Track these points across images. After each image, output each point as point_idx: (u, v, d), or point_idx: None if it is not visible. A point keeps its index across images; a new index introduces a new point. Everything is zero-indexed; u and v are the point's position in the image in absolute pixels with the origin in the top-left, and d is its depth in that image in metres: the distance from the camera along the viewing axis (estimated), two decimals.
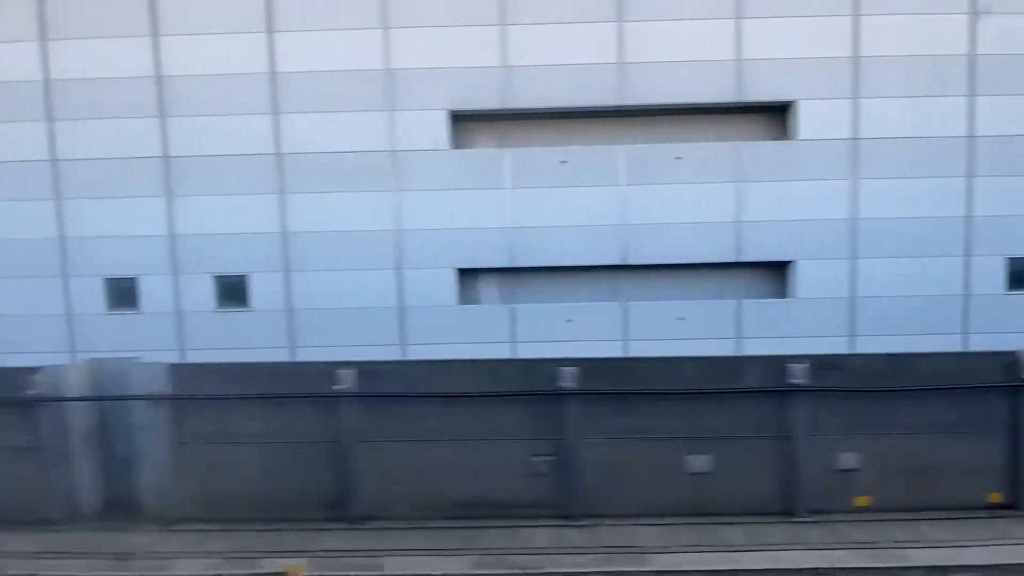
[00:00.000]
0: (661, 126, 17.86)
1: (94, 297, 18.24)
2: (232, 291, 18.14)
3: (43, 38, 17.54)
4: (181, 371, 10.70)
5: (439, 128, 17.58)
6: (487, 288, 18.35)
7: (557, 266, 17.98)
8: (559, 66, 17.37)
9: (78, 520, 10.35)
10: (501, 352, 17.87)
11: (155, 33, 17.48)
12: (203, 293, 18.16)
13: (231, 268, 18.06)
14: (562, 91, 17.46)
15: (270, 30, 17.41)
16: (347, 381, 10.68)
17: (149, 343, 18.08)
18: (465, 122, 17.78)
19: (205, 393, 10.50)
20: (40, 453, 10.32)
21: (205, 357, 17.52)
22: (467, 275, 18.14)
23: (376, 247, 17.90)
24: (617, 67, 17.35)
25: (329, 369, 10.74)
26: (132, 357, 11.88)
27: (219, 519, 10.44)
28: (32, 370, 10.40)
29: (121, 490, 10.62)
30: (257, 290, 18.10)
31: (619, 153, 17.57)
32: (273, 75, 17.50)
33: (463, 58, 17.37)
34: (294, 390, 10.64)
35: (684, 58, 17.27)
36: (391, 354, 17.90)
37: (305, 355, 18.06)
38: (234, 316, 18.18)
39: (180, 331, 18.21)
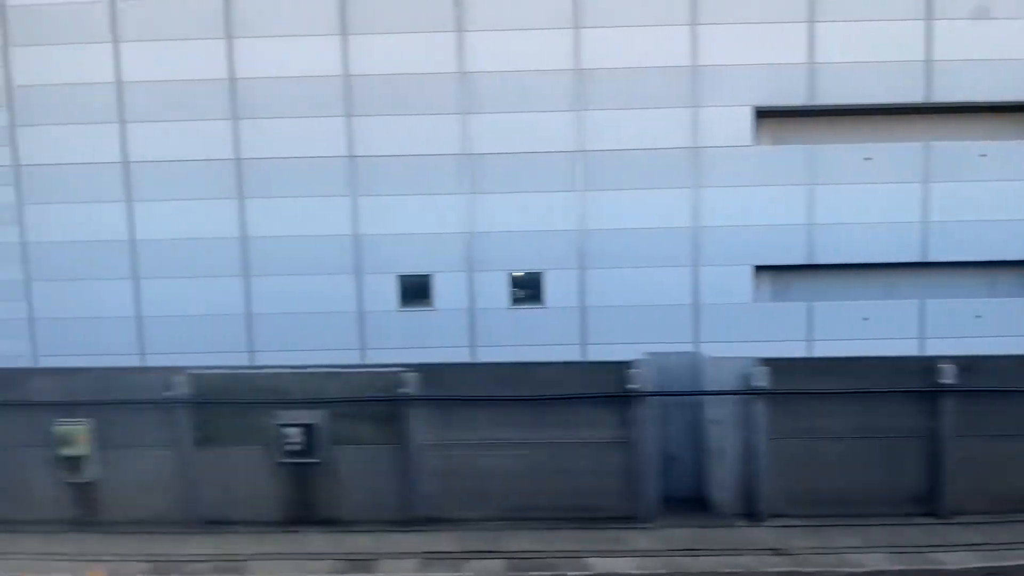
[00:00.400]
0: (961, 123, 17.84)
1: (387, 294, 18.18)
2: (526, 288, 18.09)
3: (344, 33, 17.41)
4: (774, 365, 10.52)
5: (742, 125, 17.54)
6: (783, 285, 18.33)
7: (854, 263, 17.97)
8: (865, 63, 17.32)
9: (657, 516, 10.27)
10: (797, 351, 17.87)
11: (459, 29, 17.37)
12: (498, 290, 18.10)
13: (526, 265, 18.00)
14: (867, 88, 17.42)
15: (576, 26, 17.31)
16: (949, 375, 10.67)
17: (440, 340, 18.07)
18: (766, 118, 17.72)
19: (796, 388, 10.29)
20: (628, 449, 10.23)
21: (499, 355, 17.57)
22: (763, 272, 18.12)
23: (672, 244, 17.87)
24: (924, 64, 17.32)
25: (928, 363, 10.71)
26: (689, 351, 11.81)
27: (804, 515, 10.37)
28: (628, 364, 10.33)
29: (678, 485, 10.54)
30: (551, 287, 18.06)
31: (923, 150, 17.56)
32: (578, 72, 17.41)
33: (770, 55, 17.32)
34: (885, 385, 10.59)
35: (993, 56, 17.25)
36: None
37: (595, 353, 18.04)
38: (527, 313, 18.13)
39: (472, 328, 18.15)
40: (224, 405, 9.96)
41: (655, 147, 17.60)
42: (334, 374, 10.02)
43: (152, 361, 18.14)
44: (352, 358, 18.05)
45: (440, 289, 18.13)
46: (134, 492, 10.09)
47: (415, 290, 18.19)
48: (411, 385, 9.84)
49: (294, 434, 9.73)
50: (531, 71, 17.44)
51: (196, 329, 18.14)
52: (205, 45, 17.49)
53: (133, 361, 18.14)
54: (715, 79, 17.41)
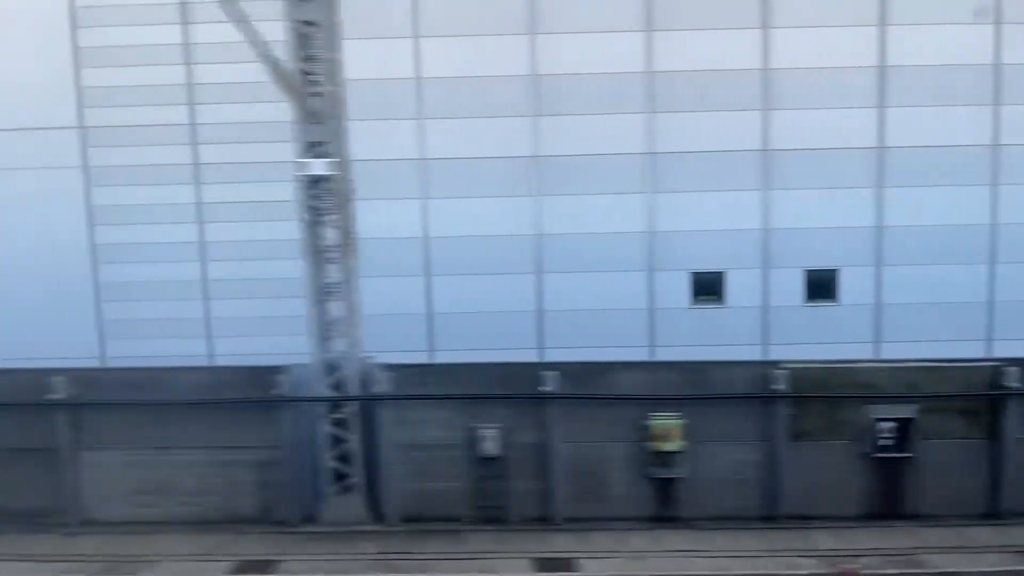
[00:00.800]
0: None
1: (679, 291, 18.11)
2: (821, 285, 18.04)
3: (648, 29, 17.42)
4: None
5: None
6: None
7: None
8: None
9: None
10: None
11: (765, 25, 17.39)
12: (791, 287, 18.06)
13: (821, 262, 17.97)
14: None
15: (882, 23, 17.34)
16: None
17: (731, 337, 18.00)
18: None
19: None
20: None
21: (788, 352, 17.51)
22: None
23: (970, 241, 17.83)
24: None
25: None
26: None
27: None
28: None
29: None
30: (847, 284, 18.02)
31: None
32: (881, 69, 17.44)
33: None
34: None
35: None
36: (976, 351, 17.79)
37: (888, 351, 17.95)
38: (821, 311, 18.08)
39: (765, 326, 18.09)
40: (818, 400, 9.83)
41: (956, 144, 17.58)
42: (929, 368, 9.94)
43: (442, 357, 18.00)
44: (641, 355, 17.95)
45: (733, 286, 18.08)
46: (717, 487, 9.93)
47: (708, 287, 18.14)
48: (1014, 379, 9.77)
49: (888, 428, 9.63)
50: (834, 68, 17.44)
51: (486, 325, 17.99)
52: (507, 41, 17.46)
53: (420, 357, 18.00)
54: (1019, 77, 17.42)
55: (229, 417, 11.56)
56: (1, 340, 18.31)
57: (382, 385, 11.76)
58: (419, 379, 10.29)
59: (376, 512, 11.62)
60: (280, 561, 10.22)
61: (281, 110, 17.68)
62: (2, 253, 18.12)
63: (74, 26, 17.68)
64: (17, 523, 11.28)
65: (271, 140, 17.72)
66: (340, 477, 12.17)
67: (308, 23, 12.85)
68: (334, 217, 12.88)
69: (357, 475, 12.05)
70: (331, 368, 12.43)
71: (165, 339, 18.06)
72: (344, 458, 12.09)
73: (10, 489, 11.45)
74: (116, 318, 18.36)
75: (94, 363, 18.18)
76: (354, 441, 11.99)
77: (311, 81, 12.94)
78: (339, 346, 12.52)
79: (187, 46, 17.66)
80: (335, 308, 12.74)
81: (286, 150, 17.78)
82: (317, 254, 12.94)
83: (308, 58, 12.96)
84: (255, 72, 17.42)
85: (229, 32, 17.50)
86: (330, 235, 12.86)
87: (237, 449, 11.46)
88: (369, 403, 12.03)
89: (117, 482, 11.66)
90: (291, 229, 17.88)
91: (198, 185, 18.03)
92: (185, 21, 17.58)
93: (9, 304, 18.13)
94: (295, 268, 18.03)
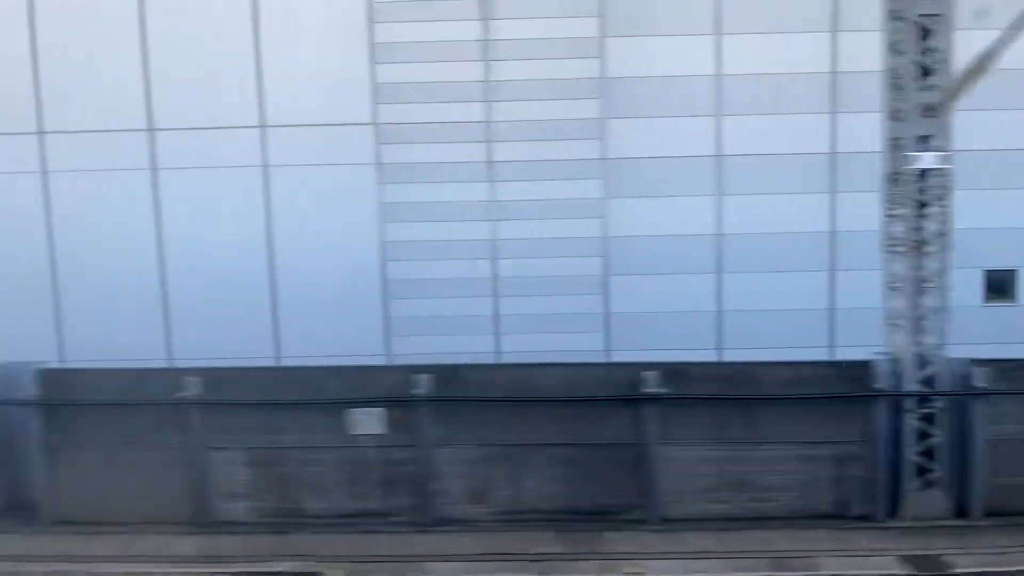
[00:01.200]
0: None
1: (972, 289, 18.12)
2: None
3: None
4: None
5: None
6: None
7: None
8: None
9: None
10: None
11: None
12: None
13: None
14: None
15: None
16: None
17: (1020, 335, 18.01)
18: None
19: None
20: None
21: None
22: None
23: None
24: None
25: None
26: None
27: None
28: None
29: None
30: None
31: None
32: None
33: None
34: None
35: None
36: None
37: None
38: None
39: None
40: None
41: None
42: None
43: (729, 356, 18.00)
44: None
45: None
46: None
47: (999, 285, 18.17)
48: None
49: None
50: None
51: (773, 324, 17.98)
52: (808, 39, 17.48)
53: (709, 355, 17.99)
54: None
55: (808, 412, 11.58)
56: (287, 335, 18.35)
57: (975, 380, 11.92)
58: (1011, 374, 10.32)
59: (956, 507, 11.78)
60: (942, 556, 10.31)
61: (578, 107, 17.92)
62: (294, 248, 18.06)
63: (371, 22, 17.64)
64: (588, 521, 11.23)
65: (567, 138, 17.81)
66: (921, 472, 12.29)
67: (931, 15, 12.86)
68: (934, 210, 12.97)
69: (940, 470, 12.17)
70: (922, 362, 12.53)
71: (451, 336, 18.02)
72: (927, 453, 12.24)
73: (588, 486, 11.38)
74: (403, 315, 18.29)
75: (380, 360, 18.18)
76: (940, 436, 12.09)
77: (926, 75, 12.94)
78: (930, 340, 12.61)
79: (485, 42, 17.59)
80: (928, 301, 12.80)
81: (581, 147, 18.01)
82: (916, 247, 12.96)
83: (927, 51, 12.91)
84: (554, 69, 17.75)
85: (529, 28, 17.75)
86: (929, 228, 12.90)
87: (817, 444, 11.50)
88: (961, 398, 12.19)
89: (694, 478, 11.63)
90: (581, 226, 18.18)
91: (491, 183, 17.95)
92: (485, 17, 17.52)
93: (301, 299, 18.08)
94: (584, 265, 18.28)
